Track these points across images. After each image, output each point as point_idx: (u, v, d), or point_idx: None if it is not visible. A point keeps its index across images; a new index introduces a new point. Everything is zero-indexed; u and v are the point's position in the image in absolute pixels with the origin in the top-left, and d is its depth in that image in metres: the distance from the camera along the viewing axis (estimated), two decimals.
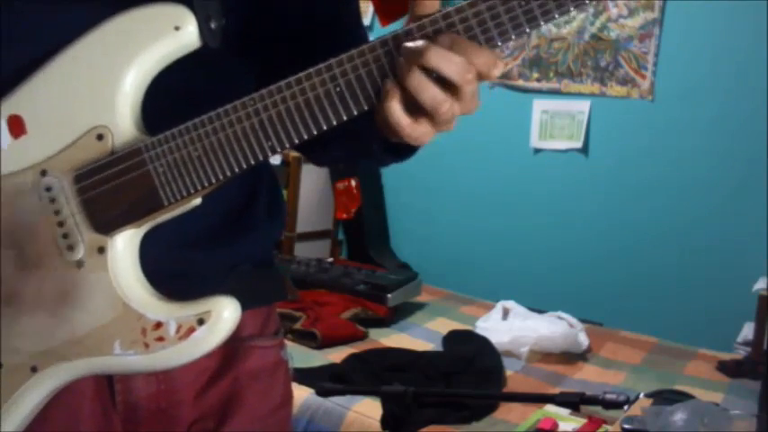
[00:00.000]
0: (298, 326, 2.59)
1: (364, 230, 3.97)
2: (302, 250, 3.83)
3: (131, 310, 0.72)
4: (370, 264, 3.61)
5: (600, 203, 3.39)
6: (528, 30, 0.66)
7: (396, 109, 0.66)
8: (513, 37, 0.66)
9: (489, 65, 0.66)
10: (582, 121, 3.42)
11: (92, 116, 0.72)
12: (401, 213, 4.05)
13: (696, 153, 3.13)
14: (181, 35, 0.72)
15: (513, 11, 0.66)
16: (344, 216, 3.95)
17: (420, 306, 3.13)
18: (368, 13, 3.91)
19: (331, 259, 3.76)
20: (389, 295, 2.89)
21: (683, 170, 3.18)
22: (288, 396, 0.96)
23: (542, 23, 0.66)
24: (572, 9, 0.66)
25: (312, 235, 4.01)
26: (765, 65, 2.91)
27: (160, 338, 0.72)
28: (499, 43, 0.67)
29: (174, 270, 0.78)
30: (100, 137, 0.72)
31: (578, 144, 3.43)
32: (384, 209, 4.10)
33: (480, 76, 0.67)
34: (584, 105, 3.42)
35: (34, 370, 0.73)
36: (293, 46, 0.85)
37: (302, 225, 3.92)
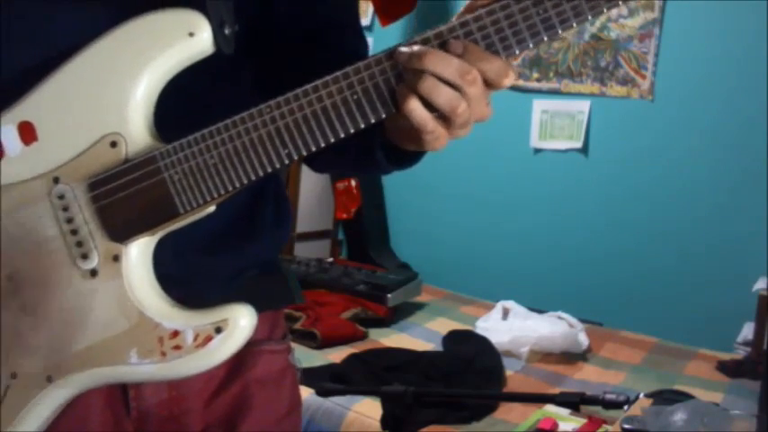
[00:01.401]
0: (298, 326, 2.59)
1: (364, 230, 3.96)
2: (302, 250, 3.83)
3: (147, 318, 0.72)
4: (370, 264, 3.61)
5: (600, 203, 3.39)
6: (546, 38, 0.66)
7: (417, 108, 0.66)
8: (531, 45, 0.67)
9: (499, 73, 0.67)
10: (582, 121, 3.42)
11: (105, 123, 0.72)
12: (401, 213, 4.05)
13: (696, 153, 3.13)
14: (195, 41, 0.71)
15: (530, 19, 0.66)
16: (344, 216, 3.95)
17: (420, 306, 3.13)
18: (368, 13, 3.90)
19: (331, 259, 3.76)
20: (389, 295, 2.89)
21: (683, 170, 3.17)
22: (296, 402, 0.95)
23: (560, 31, 0.66)
24: (590, 17, 0.66)
25: (312, 235, 4.01)
26: (765, 65, 2.91)
27: (177, 347, 0.71)
28: (517, 51, 0.67)
29: (182, 275, 0.77)
30: (113, 144, 0.71)
31: (578, 144, 3.43)
32: (384, 209, 4.10)
33: (489, 84, 0.67)
34: (584, 105, 3.42)
35: (49, 380, 0.72)
36: (301, 49, 0.84)
37: (302, 225, 3.92)
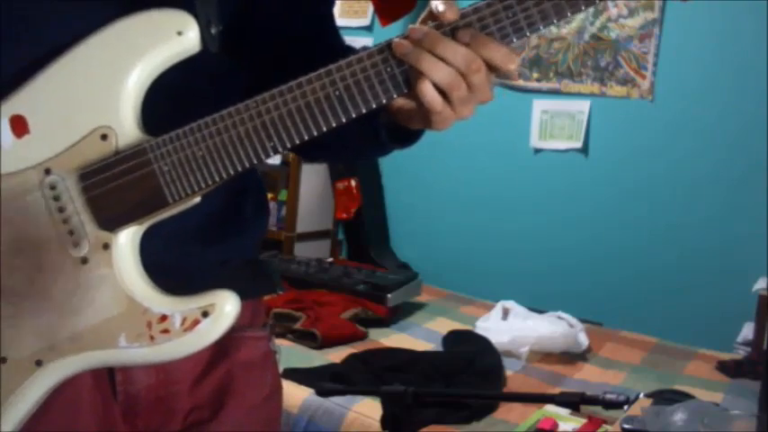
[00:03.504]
0: (298, 326, 2.59)
1: (364, 230, 3.96)
2: (302, 250, 3.83)
3: (136, 303, 0.75)
4: (370, 264, 3.61)
5: (600, 203, 3.39)
6: (515, 39, 0.72)
7: (429, 88, 0.71)
8: (528, 34, 0.72)
9: (505, 59, 0.71)
10: (582, 121, 3.42)
11: (95, 117, 0.74)
12: (401, 213, 4.05)
13: (696, 153, 3.13)
14: (183, 40, 0.74)
15: (501, 21, 0.71)
16: (344, 216, 3.95)
17: (420, 306, 3.13)
18: (368, 13, 3.90)
19: (331, 259, 3.76)
20: (389, 295, 2.89)
21: (683, 170, 3.17)
22: (277, 385, 0.98)
23: (528, 34, 0.72)
24: (555, 20, 0.71)
25: (312, 235, 4.01)
26: (765, 65, 2.91)
27: (165, 331, 0.74)
28: (515, 39, 0.72)
29: (170, 264, 0.80)
30: (104, 137, 0.74)
31: (578, 144, 3.43)
32: (384, 209, 4.10)
33: (496, 70, 0.72)
34: (584, 105, 3.42)
35: (39, 364, 0.75)
36: (285, 46, 0.88)
37: (302, 225, 3.92)
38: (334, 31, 0.95)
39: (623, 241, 3.32)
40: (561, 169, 3.49)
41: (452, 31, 0.71)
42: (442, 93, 0.71)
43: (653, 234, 3.25)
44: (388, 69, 0.72)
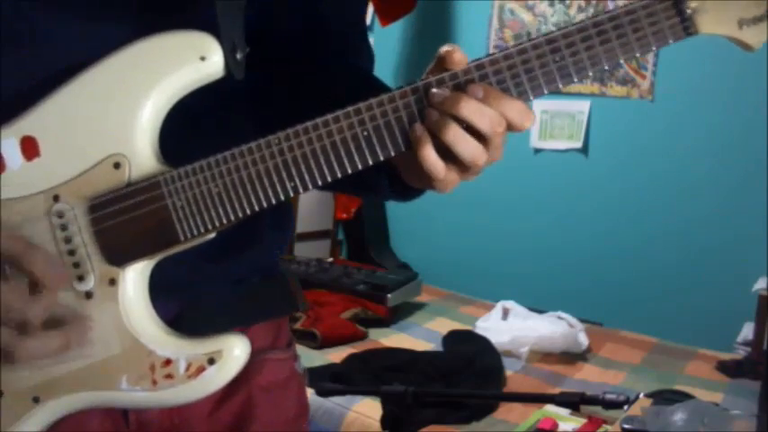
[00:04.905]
0: (298, 326, 2.59)
1: (364, 230, 3.96)
2: (302, 250, 3.83)
3: (141, 345, 0.71)
4: (370, 264, 3.61)
5: (600, 203, 3.39)
6: (561, 85, 0.67)
7: (431, 156, 0.66)
8: (546, 91, 0.67)
9: (522, 117, 0.67)
10: (582, 121, 3.42)
11: (109, 143, 0.70)
12: (401, 213, 4.05)
13: (696, 153, 3.13)
14: (206, 65, 0.69)
15: (546, 66, 0.66)
16: (344, 216, 3.95)
17: (420, 306, 3.13)
18: (368, 13, 3.90)
19: (331, 259, 3.76)
20: (389, 295, 2.89)
21: (683, 170, 3.17)
22: (303, 409, 0.94)
23: (576, 80, 0.67)
24: (606, 66, 0.67)
25: (312, 235, 4.01)
26: (765, 65, 2.91)
27: (169, 376, 0.70)
28: (531, 97, 0.67)
29: (179, 282, 0.76)
30: (117, 165, 0.70)
31: (578, 144, 3.43)
32: (384, 209, 4.10)
33: (512, 128, 0.67)
34: (584, 105, 3.42)
35: (36, 401, 0.71)
36: (300, 56, 0.84)
37: (302, 225, 3.92)
38: (356, 38, 0.89)
39: (623, 241, 3.32)
40: (561, 169, 3.49)
41: (465, 84, 0.66)
42: (462, 164, 0.67)
43: (653, 234, 3.25)
44: (422, 110, 0.68)
